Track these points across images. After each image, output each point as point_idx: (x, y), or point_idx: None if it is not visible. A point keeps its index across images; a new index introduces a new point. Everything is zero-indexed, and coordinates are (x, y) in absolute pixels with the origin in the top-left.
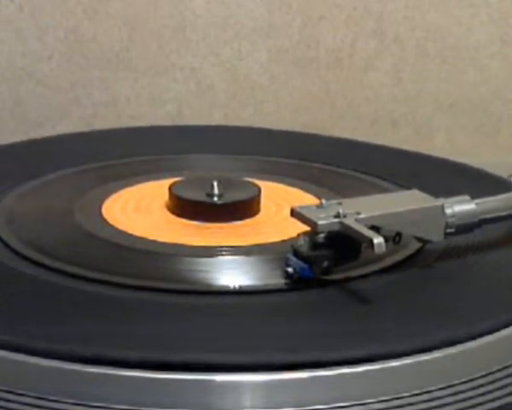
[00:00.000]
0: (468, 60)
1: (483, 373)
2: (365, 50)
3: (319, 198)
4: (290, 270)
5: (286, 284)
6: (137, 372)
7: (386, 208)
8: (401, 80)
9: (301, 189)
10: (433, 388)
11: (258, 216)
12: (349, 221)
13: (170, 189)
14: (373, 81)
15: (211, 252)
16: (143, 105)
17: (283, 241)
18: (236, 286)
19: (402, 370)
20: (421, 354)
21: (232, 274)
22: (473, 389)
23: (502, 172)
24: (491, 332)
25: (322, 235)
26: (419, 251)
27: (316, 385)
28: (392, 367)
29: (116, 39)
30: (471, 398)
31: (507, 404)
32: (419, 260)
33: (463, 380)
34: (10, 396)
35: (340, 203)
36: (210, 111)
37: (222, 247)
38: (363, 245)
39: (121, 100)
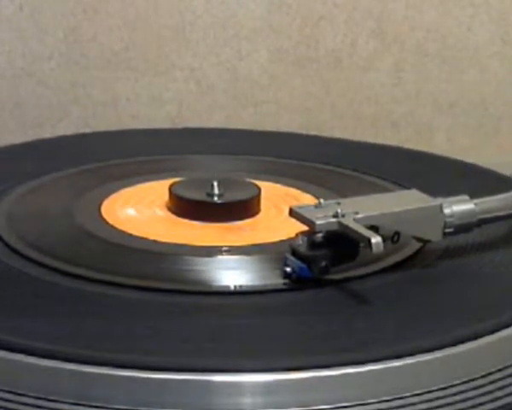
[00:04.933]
0: (468, 60)
1: (483, 373)
2: (365, 50)
3: (318, 198)
4: (289, 270)
5: (284, 283)
6: (137, 372)
7: (385, 208)
8: (401, 80)
9: (301, 189)
10: (434, 388)
11: (257, 216)
12: (347, 221)
13: (170, 189)
14: (373, 81)
15: (211, 252)
16: (143, 105)
17: (283, 241)
18: (236, 286)
19: (403, 370)
20: (422, 355)
21: (232, 274)
22: (473, 389)
23: (501, 172)
24: (491, 332)
25: (320, 234)
26: (419, 251)
27: (316, 386)
28: (393, 367)
29: (116, 39)
30: (472, 398)
31: (507, 404)
32: (419, 260)
33: (464, 380)
34: (10, 396)
35: (338, 203)
36: (210, 111)
37: (222, 247)
38: (362, 245)
39: (121, 100)
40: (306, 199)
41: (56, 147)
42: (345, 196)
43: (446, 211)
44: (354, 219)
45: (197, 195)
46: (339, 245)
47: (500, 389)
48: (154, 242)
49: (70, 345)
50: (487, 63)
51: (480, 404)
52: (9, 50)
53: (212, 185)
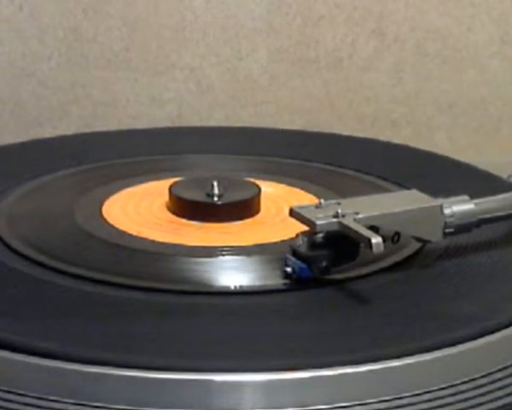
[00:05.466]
0: (468, 60)
1: (483, 373)
2: (365, 50)
3: (319, 198)
4: (289, 270)
5: (285, 284)
6: (137, 372)
7: (385, 208)
8: (401, 80)
9: (301, 189)
10: (434, 388)
11: (258, 216)
12: (348, 221)
13: (170, 189)
14: (373, 81)
15: (211, 252)
16: (143, 105)
17: (283, 241)
18: (236, 286)
19: (402, 370)
20: (422, 354)
21: (232, 274)
22: (473, 389)
23: (502, 171)
24: (491, 332)
25: (320, 235)
26: (419, 251)
27: (316, 385)
28: (393, 367)
29: (116, 39)
30: (472, 398)
31: (508, 404)
32: (419, 260)
33: (464, 380)
34: (10, 396)
35: (338, 203)
36: (210, 111)
37: (222, 247)
38: (362, 245)
39: (121, 100)
40: (307, 199)
41: (56, 147)
42: (345, 196)
43: (446, 211)
44: (354, 220)
45: (197, 195)
46: (339, 245)
47: (500, 388)
48: (154, 242)
49: (70, 345)
50: (487, 63)
51: (480, 404)
52: (9, 50)
53: (212, 185)
